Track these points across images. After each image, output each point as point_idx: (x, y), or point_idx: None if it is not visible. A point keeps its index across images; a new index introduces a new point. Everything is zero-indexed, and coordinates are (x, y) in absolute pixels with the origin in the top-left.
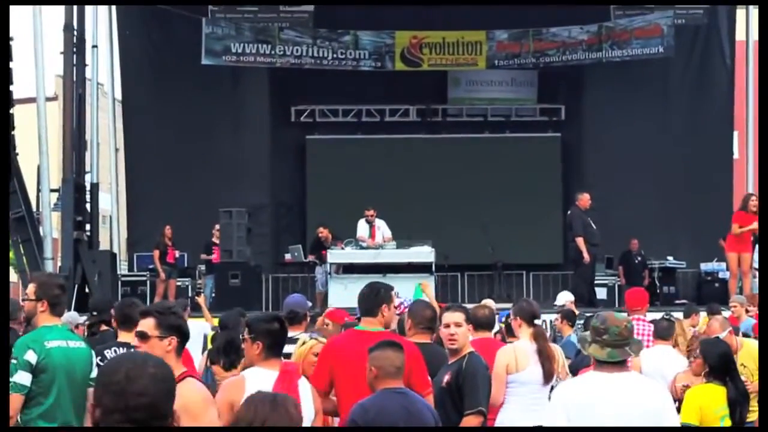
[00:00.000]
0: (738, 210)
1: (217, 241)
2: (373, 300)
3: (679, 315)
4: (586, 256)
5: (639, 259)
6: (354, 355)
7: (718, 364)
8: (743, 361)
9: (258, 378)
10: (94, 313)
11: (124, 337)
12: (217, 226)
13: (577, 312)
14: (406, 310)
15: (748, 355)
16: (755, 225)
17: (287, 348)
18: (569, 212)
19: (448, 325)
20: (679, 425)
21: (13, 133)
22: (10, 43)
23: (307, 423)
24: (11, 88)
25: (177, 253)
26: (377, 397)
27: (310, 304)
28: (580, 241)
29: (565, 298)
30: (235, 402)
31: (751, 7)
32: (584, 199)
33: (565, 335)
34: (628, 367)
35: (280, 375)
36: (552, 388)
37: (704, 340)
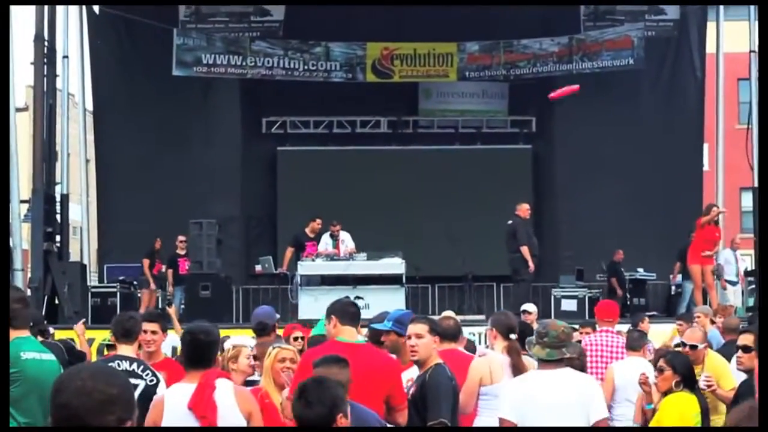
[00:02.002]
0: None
1: (182, 253)
2: (357, 312)
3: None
4: (531, 265)
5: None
6: None
7: (689, 373)
8: (707, 371)
9: (175, 394)
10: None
11: (124, 350)
12: (181, 238)
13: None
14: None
15: (711, 366)
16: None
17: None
18: (510, 222)
19: (409, 337)
20: (605, 413)
21: None
22: None
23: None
24: None
25: (163, 267)
26: None
27: (278, 315)
28: (525, 250)
29: (524, 307)
30: (157, 422)
31: (722, 19)
32: (524, 209)
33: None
34: (564, 365)
35: (196, 388)
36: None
37: (669, 353)
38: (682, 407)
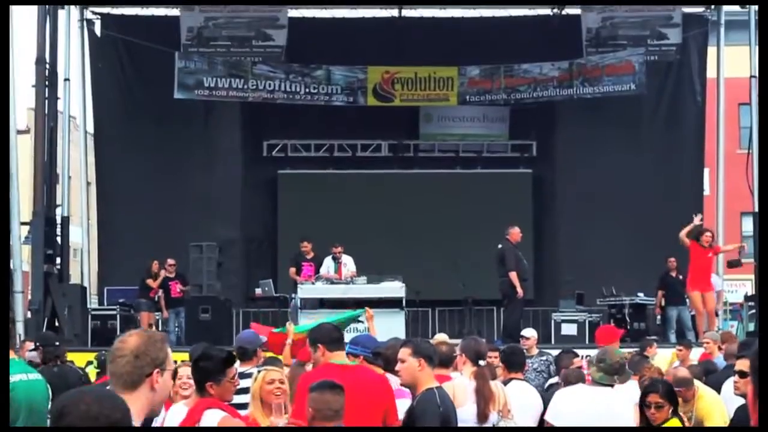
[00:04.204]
0: (691, 240)
1: (171, 276)
2: (341, 336)
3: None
4: (519, 291)
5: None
6: None
7: (676, 401)
8: (697, 410)
9: (174, 414)
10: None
11: None
12: (170, 261)
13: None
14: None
15: (702, 405)
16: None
17: (244, 383)
18: (500, 246)
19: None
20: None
21: None
22: None
23: None
24: None
25: (160, 291)
26: None
27: (264, 338)
28: (513, 275)
29: (524, 333)
30: None
31: (722, 44)
32: (515, 234)
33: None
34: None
35: (187, 413)
36: (492, 426)
37: (661, 386)
38: None
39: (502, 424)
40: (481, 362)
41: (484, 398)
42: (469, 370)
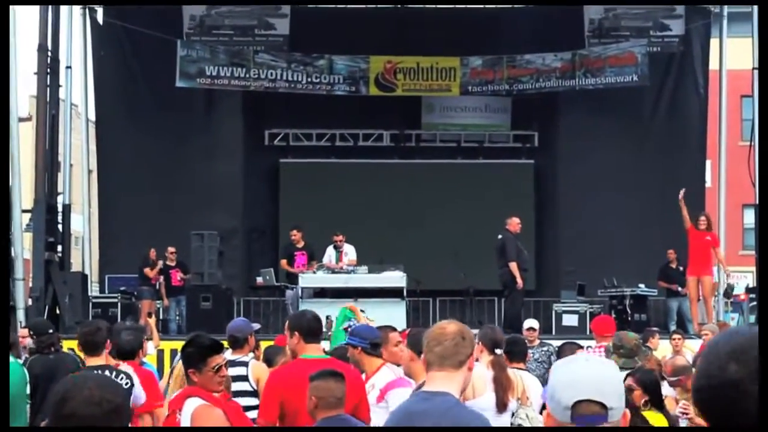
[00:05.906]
0: (690, 225)
1: (172, 264)
2: (320, 328)
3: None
4: (519, 281)
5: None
6: (305, 385)
7: (657, 391)
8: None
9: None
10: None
11: (92, 361)
12: (171, 249)
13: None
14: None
15: None
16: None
17: (238, 371)
18: (500, 237)
19: None
20: None
21: None
22: None
23: None
24: None
25: (161, 277)
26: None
27: (257, 326)
28: (513, 266)
29: (529, 324)
30: None
31: (725, 36)
32: (514, 223)
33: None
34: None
35: (169, 402)
36: (513, 414)
37: (639, 371)
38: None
39: (521, 411)
40: (498, 351)
41: (502, 387)
42: (486, 358)
